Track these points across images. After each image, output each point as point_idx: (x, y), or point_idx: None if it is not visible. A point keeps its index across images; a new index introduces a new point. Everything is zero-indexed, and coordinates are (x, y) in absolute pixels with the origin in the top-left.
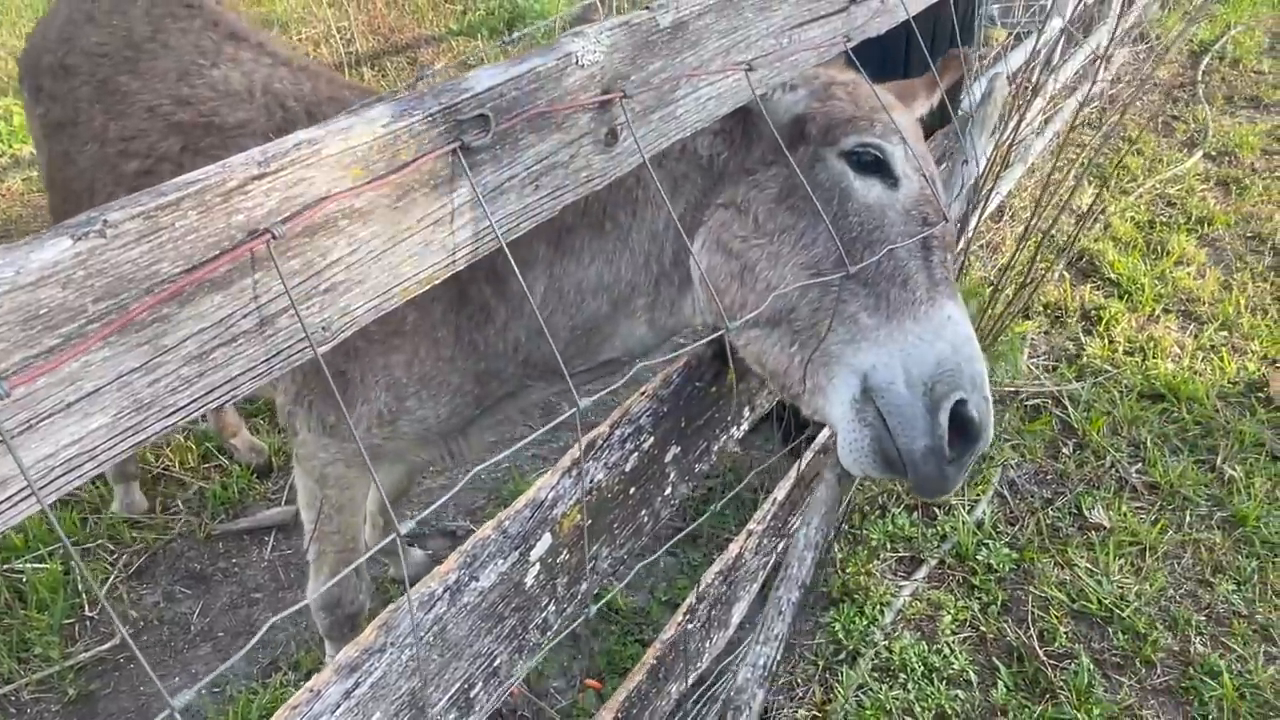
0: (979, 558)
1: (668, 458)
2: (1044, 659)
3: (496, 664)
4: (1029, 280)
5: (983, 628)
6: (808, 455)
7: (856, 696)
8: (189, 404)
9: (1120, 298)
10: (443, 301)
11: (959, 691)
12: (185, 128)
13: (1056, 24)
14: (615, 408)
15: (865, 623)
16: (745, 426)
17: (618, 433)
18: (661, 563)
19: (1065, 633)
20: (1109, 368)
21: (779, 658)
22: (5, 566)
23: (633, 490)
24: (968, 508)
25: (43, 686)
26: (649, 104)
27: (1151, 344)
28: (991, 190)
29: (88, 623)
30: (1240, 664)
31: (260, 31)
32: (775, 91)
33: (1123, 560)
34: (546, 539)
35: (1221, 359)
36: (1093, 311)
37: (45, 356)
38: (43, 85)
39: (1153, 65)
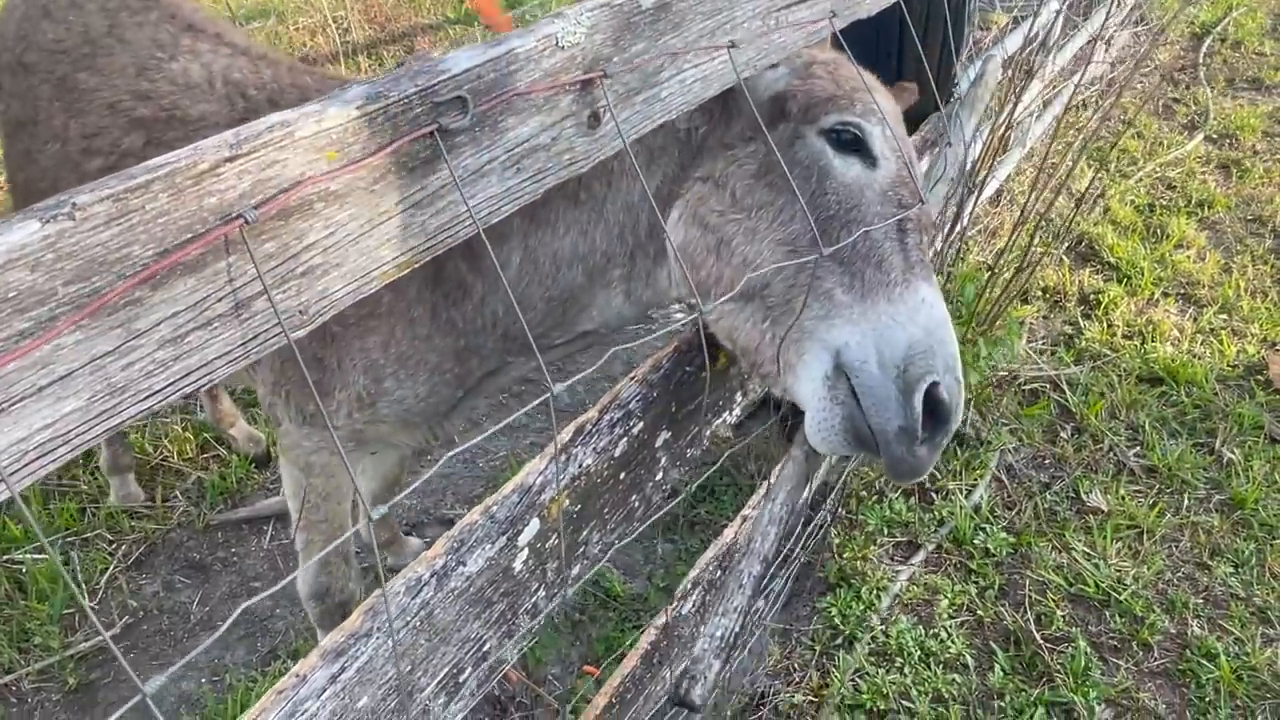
0: (976, 542)
1: (658, 443)
2: (1041, 642)
3: (485, 648)
4: (1026, 264)
5: (980, 612)
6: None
7: (853, 681)
8: (165, 388)
9: (1119, 281)
10: (418, 280)
11: (956, 675)
12: (147, 123)
13: (1054, 5)
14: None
15: (862, 607)
16: (738, 412)
17: (607, 418)
18: (660, 549)
19: (1062, 616)
20: (1107, 352)
21: (737, 629)
22: (5, 558)
23: (623, 475)
24: (965, 492)
25: (43, 676)
26: (633, 86)
27: (1150, 328)
28: (988, 175)
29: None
30: (1237, 646)
31: (218, 21)
32: None
33: (1120, 544)
34: (535, 524)
35: (1221, 342)
36: (1091, 295)
37: (15, 340)
38: (2, 83)
39: (1150, 46)
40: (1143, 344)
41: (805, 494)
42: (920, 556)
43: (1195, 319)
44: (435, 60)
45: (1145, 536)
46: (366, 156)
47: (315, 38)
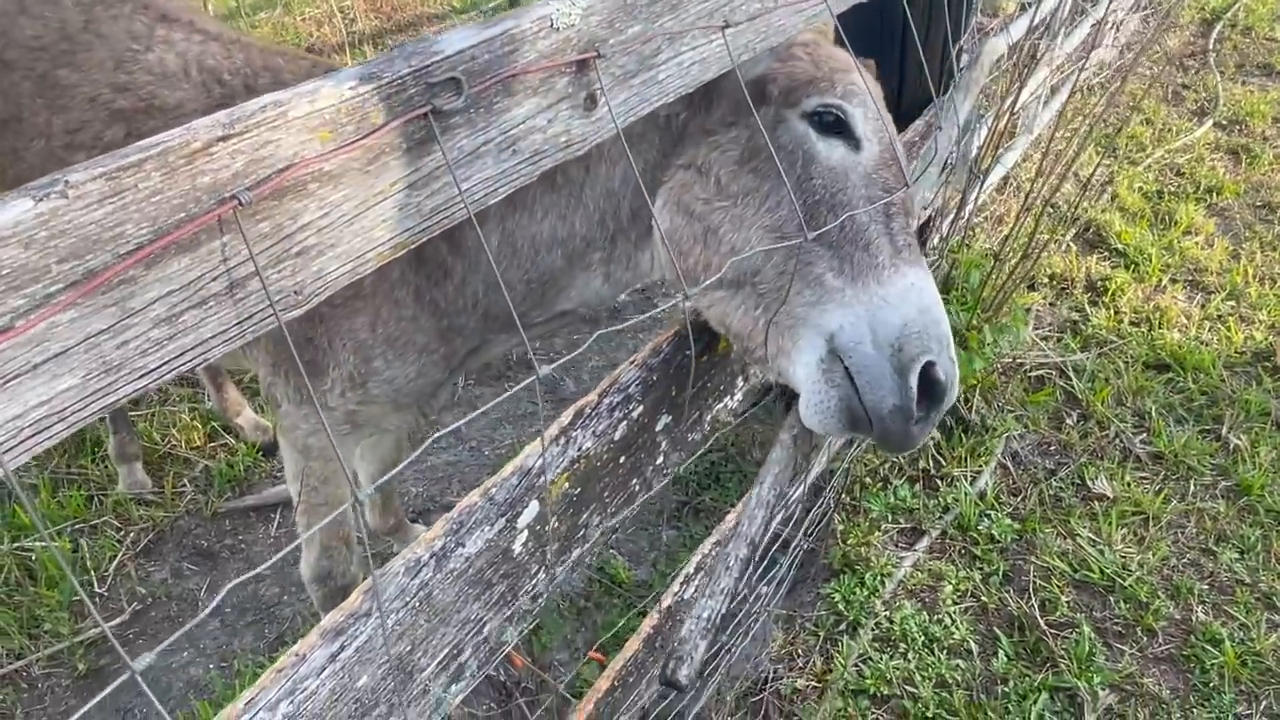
0: (981, 529)
1: (658, 426)
2: (1045, 628)
3: (486, 630)
4: (1031, 250)
5: (984, 598)
6: None
7: (857, 666)
8: (160, 366)
9: (1127, 268)
10: (400, 262)
11: (959, 661)
12: (127, 114)
13: None
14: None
15: (866, 593)
16: (739, 396)
17: (606, 401)
18: (664, 536)
19: (1067, 602)
20: (1114, 338)
21: (723, 611)
22: (15, 545)
23: (623, 459)
24: (970, 479)
25: (53, 662)
26: (629, 69)
27: (1158, 314)
28: (993, 162)
29: (97, 600)
30: (1243, 632)
31: (190, 9)
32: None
33: (1125, 530)
34: (534, 506)
35: (1229, 329)
36: (1098, 282)
37: (11, 318)
38: None
39: (1157, 31)
40: (1150, 331)
41: (808, 477)
42: (924, 543)
43: (1203, 305)
44: (429, 41)
45: (1151, 523)
46: (360, 137)
47: (321, 28)
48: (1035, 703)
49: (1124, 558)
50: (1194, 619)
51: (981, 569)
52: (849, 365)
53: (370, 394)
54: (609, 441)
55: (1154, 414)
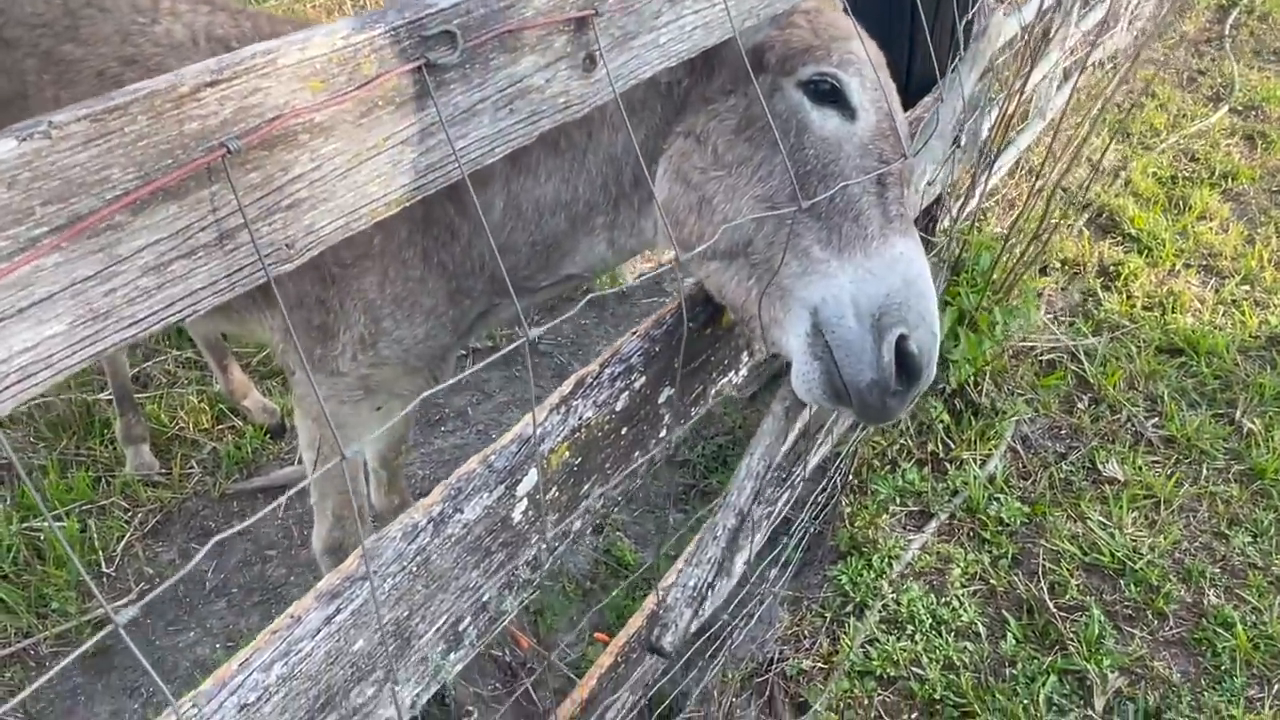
0: (990, 512)
1: (661, 399)
2: (1054, 611)
3: (485, 599)
4: (1043, 231)
5: (992, 581)
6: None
7: (864, 648)
8: (148, 316)
9: (1140, 253)
10: (408, 222)
11: (968, 643)
12: None
13: None
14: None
15: (873, 575)
16: (744, 371)
17: (607, 371)
18: (671, 519)
19: (1076, 585)
20: (1127, 323)
21: (710, 580)
22: (24, 525)
23: (625, 430)
24: (979, 462)
25: (61, 641)
26: (630, 29)
27: (1171, 299)
28: (1004, 146)
29: (104, 579)
30: (1255, 615)
31: None
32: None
33: (1137, 514)
34: (533, 475)
35: (1243, 313)
36: (1111, 267)
37: None
38: None
39: (1171, 14)
40: (1163, 315)
41: (811, 459)
42: (933, 525)
43: (1217, 290)
44: None
45: (1162, 506)
46: (352, 89)
47: (331, 16)
48: (1044, 685)
49: (1135, 541)
50: (1205, 602)
51: (990, 552)
52: (829, 339)
53: (381, 355)
54: (610, 411)
55: (1166, 398)
